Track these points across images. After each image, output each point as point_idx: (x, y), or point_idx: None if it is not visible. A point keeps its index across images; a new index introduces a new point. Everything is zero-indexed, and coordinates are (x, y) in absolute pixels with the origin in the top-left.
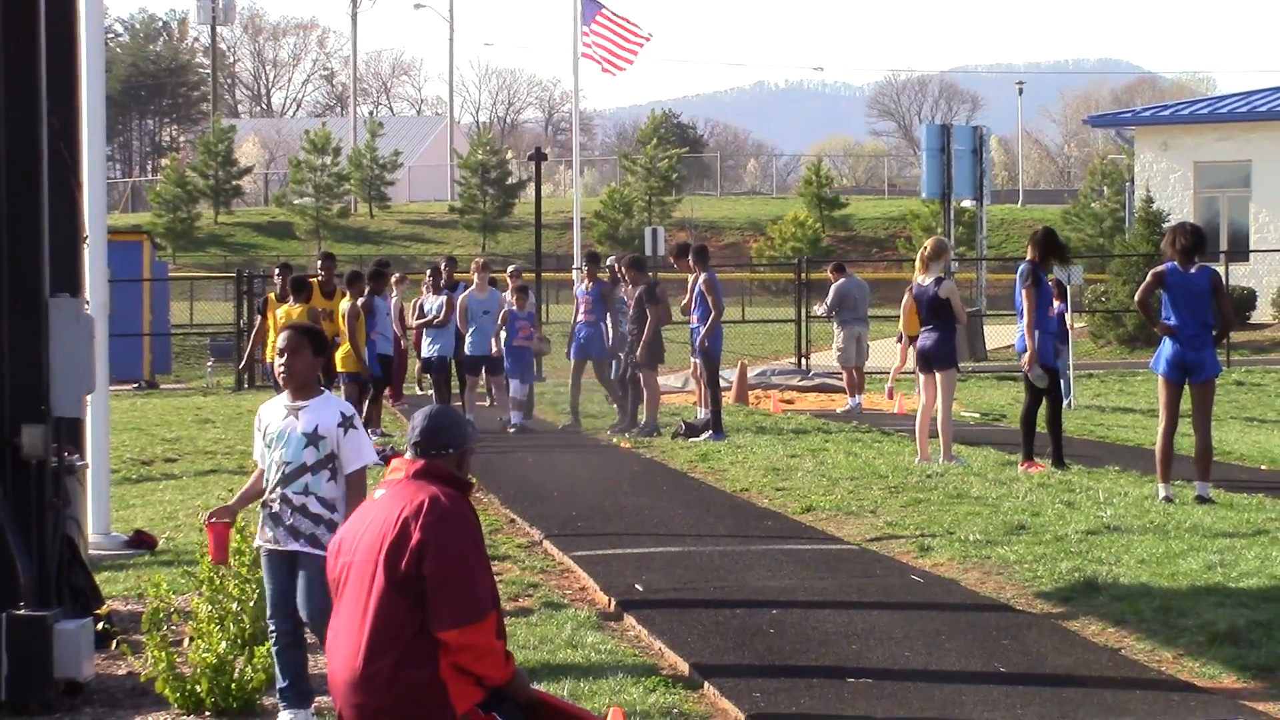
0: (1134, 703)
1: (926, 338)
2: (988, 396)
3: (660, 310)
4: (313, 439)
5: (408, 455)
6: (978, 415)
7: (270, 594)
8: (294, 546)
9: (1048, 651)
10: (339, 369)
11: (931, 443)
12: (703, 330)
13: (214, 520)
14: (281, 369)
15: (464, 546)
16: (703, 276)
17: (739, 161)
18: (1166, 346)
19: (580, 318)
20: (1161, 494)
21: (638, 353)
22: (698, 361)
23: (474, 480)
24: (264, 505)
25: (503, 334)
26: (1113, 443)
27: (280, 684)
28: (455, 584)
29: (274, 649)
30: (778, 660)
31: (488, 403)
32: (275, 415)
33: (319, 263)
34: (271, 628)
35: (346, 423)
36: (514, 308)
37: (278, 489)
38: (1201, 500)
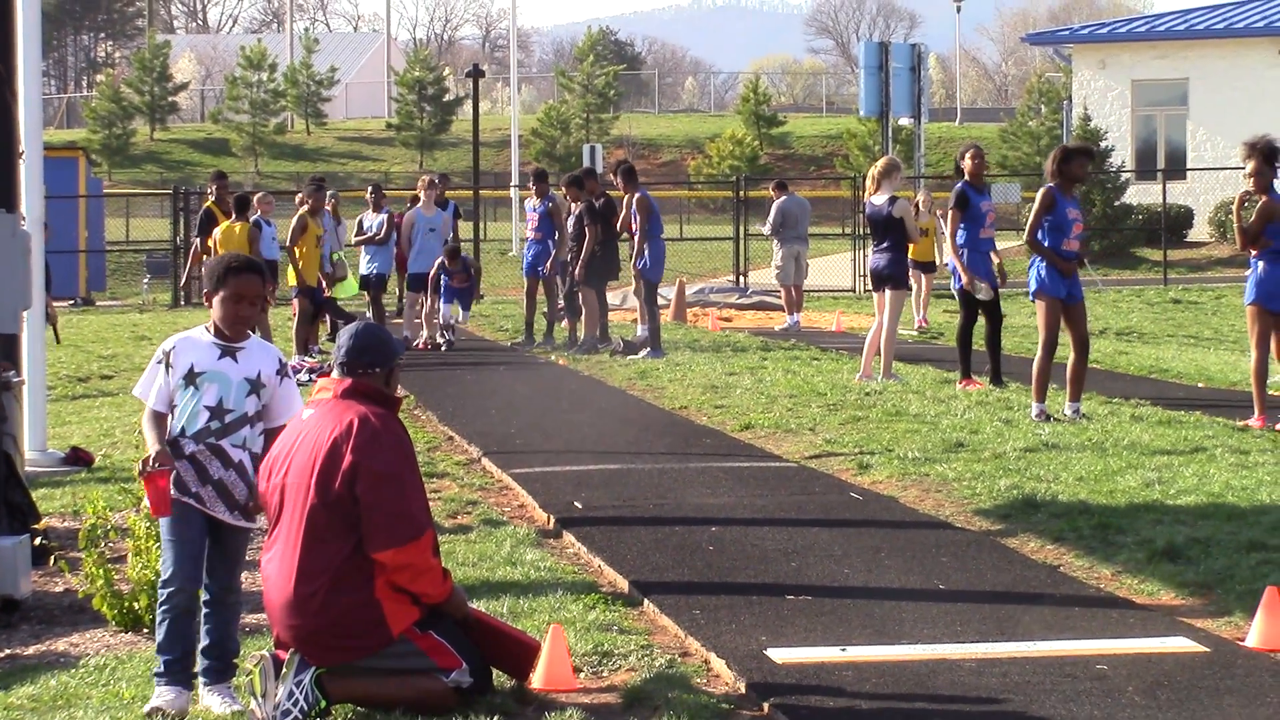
0: (1072, 619)
1: (879, 257)
2: (929, 315)
3: (600, 228)
4: (255, 386)
5: (335, 374)
6: (915, 333)
7: (176, 557)
8: (224, 515)
9: (986, 568)
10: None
11: (873, 360)
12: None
13: (154, 470)
14: (237, 317)
15: (396, 465)
16: (637, 195)
17: (677, 79)
18: (1043, 269)
19: (529, 235)
20: (1035, 412)
21: (576, 270)
22: (640, 278)
23: (402, 396)
24: (179, 453)
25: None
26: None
27: (167, 657)
28: (389, 504)
29: (164, 618)
30: (717, 577)
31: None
32: (201, 353)
33: (213, 184)
34: (168, 593)
35: (283, 370)
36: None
37: (210, 439)
38: (1074, 418)
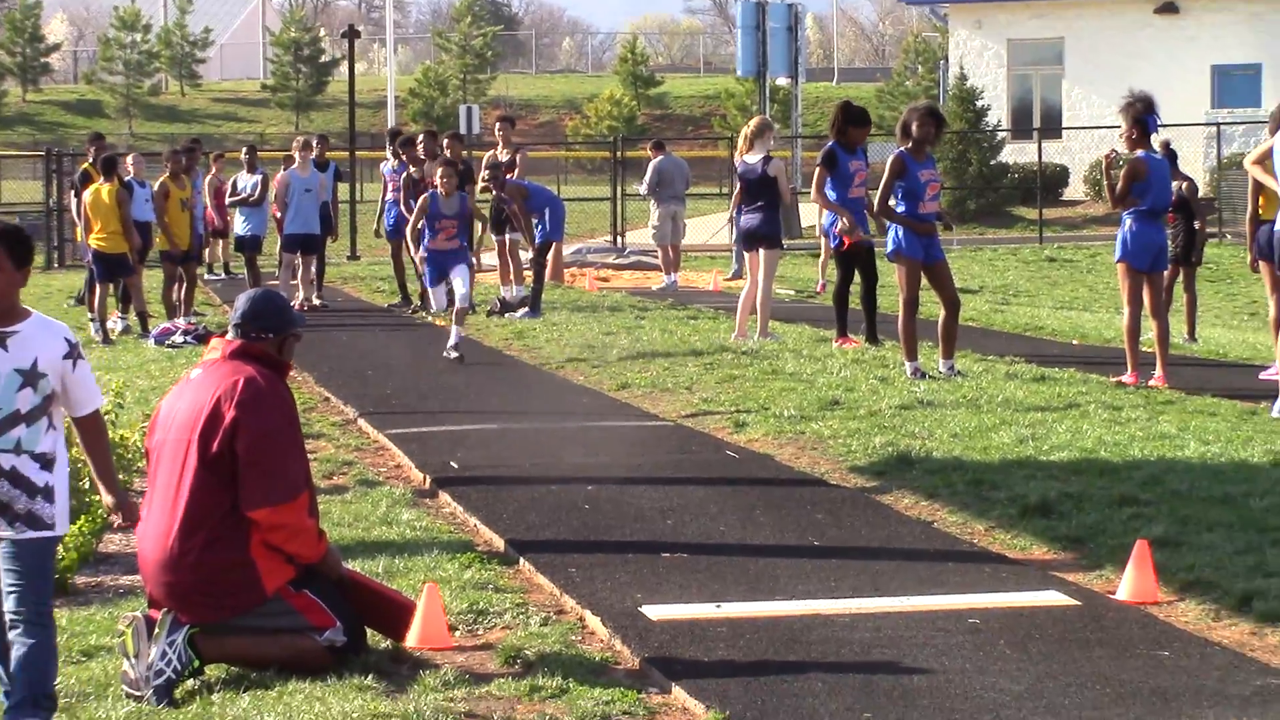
0: (946, 574)
1: (753, 216)
2: (803, 273)
3: (473, 189)
4: (30, 378)
5: (228, 335)
6: (792, 292)
7: None
8: (4, 532)
9: (861, 525)
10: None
11: (748, 320)
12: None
13: None
14: None
15: (278, 425)
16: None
17: (554, 39)
18: (900, 231)
19: (389, 196)
20: (909, 370)
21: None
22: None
23: (291, 363)
24: None
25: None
26: (927, 319)
27: None
28: (267, 463)
29: None
30: (593, 536)
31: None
32: None
33: (90, 146)
34: None
35: (74, 353)
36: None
37: None
38: (949, 375)
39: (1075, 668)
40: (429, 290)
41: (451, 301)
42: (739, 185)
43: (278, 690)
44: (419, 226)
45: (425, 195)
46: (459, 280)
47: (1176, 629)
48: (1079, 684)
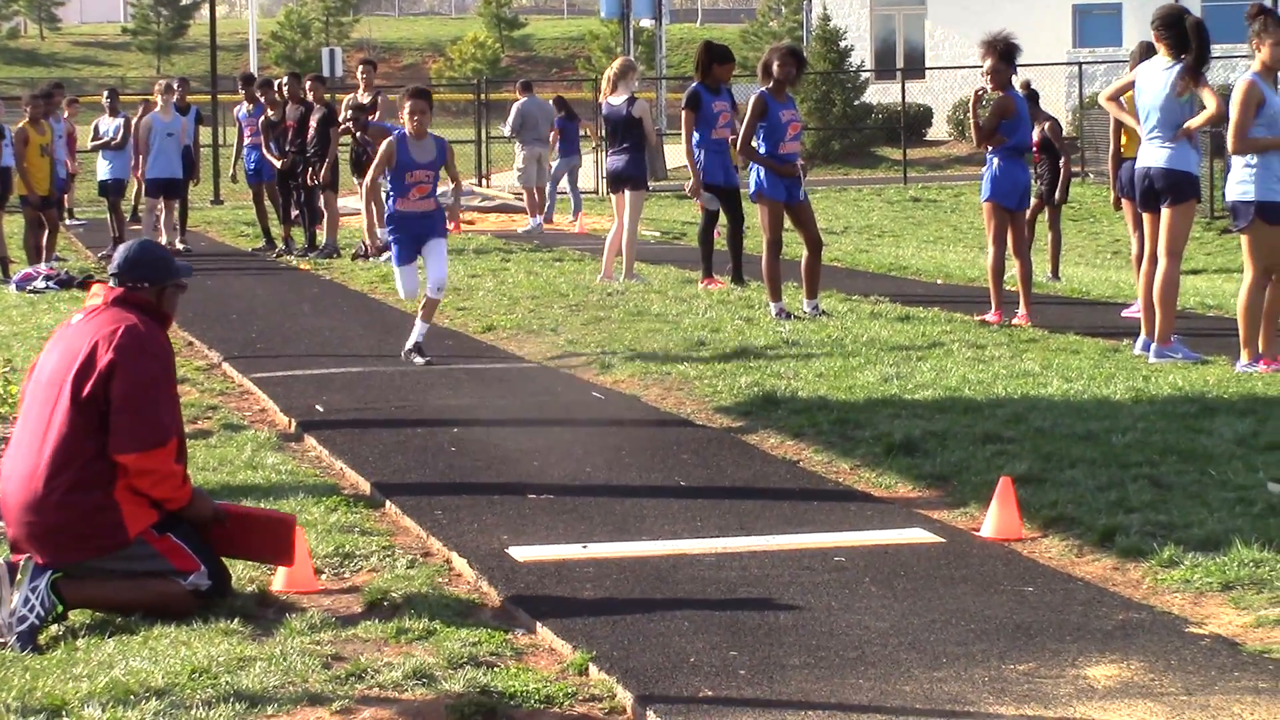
0: (812, 513)
1: (617, 158)
2: (668, 215)
3: (337, 132)
4: None
5: (110, 283)
6: (658, 234)
7: None
8: None
9: (727, 465)
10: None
11: (614, 261)
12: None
13: None
14: None
15: (153, 373)
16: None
17: None
18: (761, 173)
19: (247, 141)
20: (774, 311)
21: (320, 174)
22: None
23: (173, 314)
24: None
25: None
26: (791, 259)
27: None
28: (139, 408)
29: None
30: (459, 478)
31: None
32: None
33: None
34: None
35: None
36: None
37: None
38: (813, 315)
39: (940, 604)
40: (397, 270)
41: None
42: (604, 126)
43: (143, 635)
44: (377, 180)
45: (390, 140)
46: (434, 260)
47: (1040, 565)
48: (943, 620)
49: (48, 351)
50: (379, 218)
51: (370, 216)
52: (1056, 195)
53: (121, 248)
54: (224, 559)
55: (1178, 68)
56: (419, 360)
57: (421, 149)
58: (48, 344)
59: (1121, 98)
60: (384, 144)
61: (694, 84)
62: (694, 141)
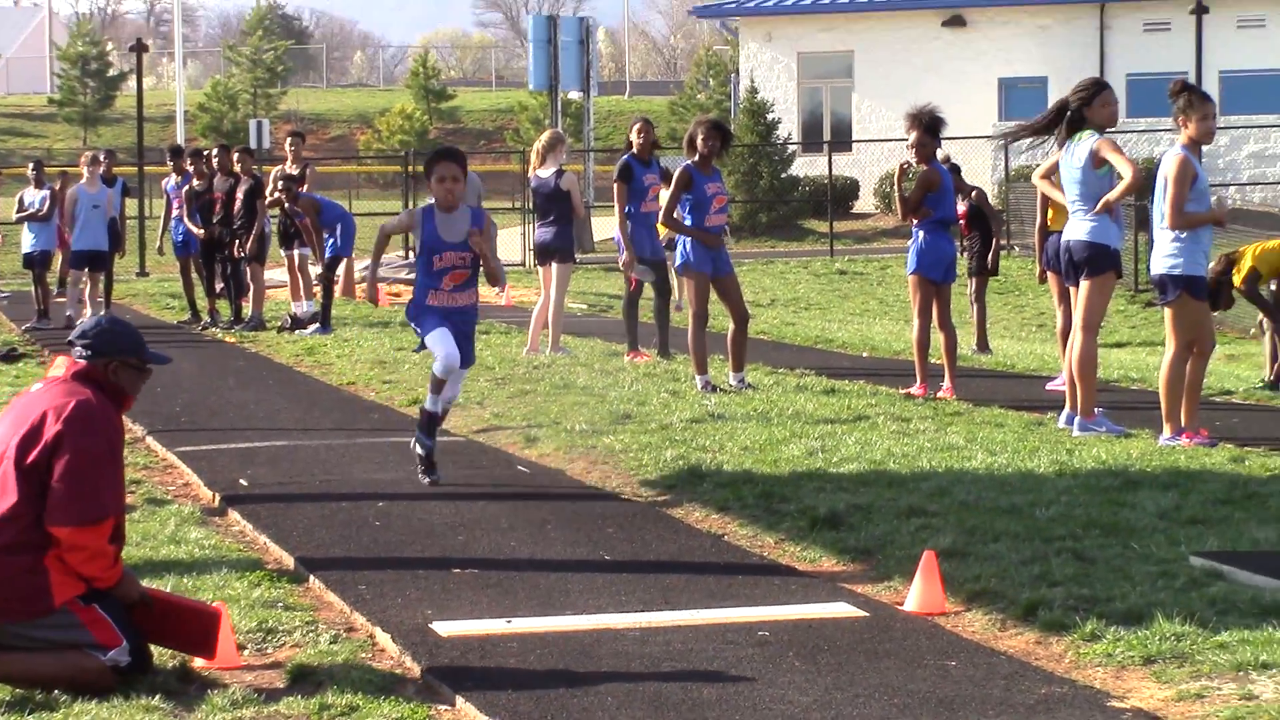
0: (736, 587)
1: (545, 230)
2: (595, 287)
3: (263, 204)
4: None
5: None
6: (585, 306)
7: None
8: None
9: (652, 539)
10: None
11: (540, 334)
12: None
13: None
14: None
15: (99, 449)
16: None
17: (345, 53)
18: (688, 245)
19: (175, 213)
20: (700, 384)
21: (246, 246)
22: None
23: (131, 395)
24: None
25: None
26: (718, 332)
27: None
28: (79, 482)
29: None
30: (384, 552)
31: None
32: None
33: None
34: None
35: None
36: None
37: None
38: (739, 388)
39: (863, 678)
40: (432, 335)
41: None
42: (533, 199)
43: (63, 712)
44: (382, 248)
45: (412, 211)
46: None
47: (963, 639)
48: (867, 695)
49: (1, 417)
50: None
51: (374, 262)
52: (989, 263)
53: (89, 320)
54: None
55: (1093, 139)
56: (428, 479)
57: (452, 225)
58: (3, 411)
59: (1053, 176)
60: (403, 214)
61: (625, 156)
62: (624, 221)
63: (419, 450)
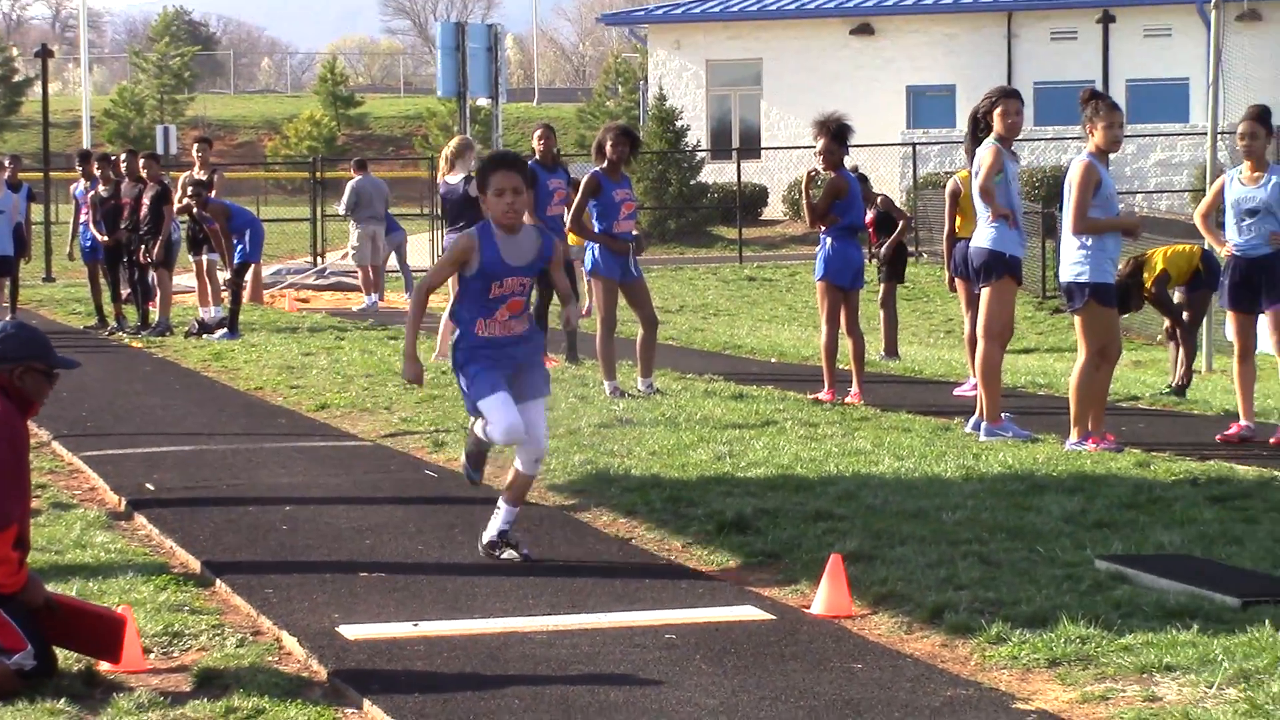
0: (643, 590)
1: (454, 236)
2: None
3: (172, 209)
4: None
5: None
6: None
7: None
8: None
9: (560, 543)
10: None
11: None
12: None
13: None
14: None
15: (2, 456)
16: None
17: (253, 59)
18: (597, 251)
19: (83, 218)
20: (608, 389)
21: (153, 251)
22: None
23: (38, 401)
24: None
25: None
26: (626, 338)
27: None
28: None
29: None
30: (291, 556)
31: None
32: None
33: None
34: None
35: None
36: None
37: None
38: (648, 393)
39: (770, 681)
40: (488, 402)
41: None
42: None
43: None
44: (432, 288)
45: (468, 234)
46: (532, 417)
47: (869, 642)
48: (773, 698)
49: None
50: (444, 341)
51: (412, 332)
52: (892, 250)
53: None
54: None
55: (987, 150)
56: (512, 555)
57: (516, 246)
58: None
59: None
60: (451, 249)
61: (529, 162)
62: None
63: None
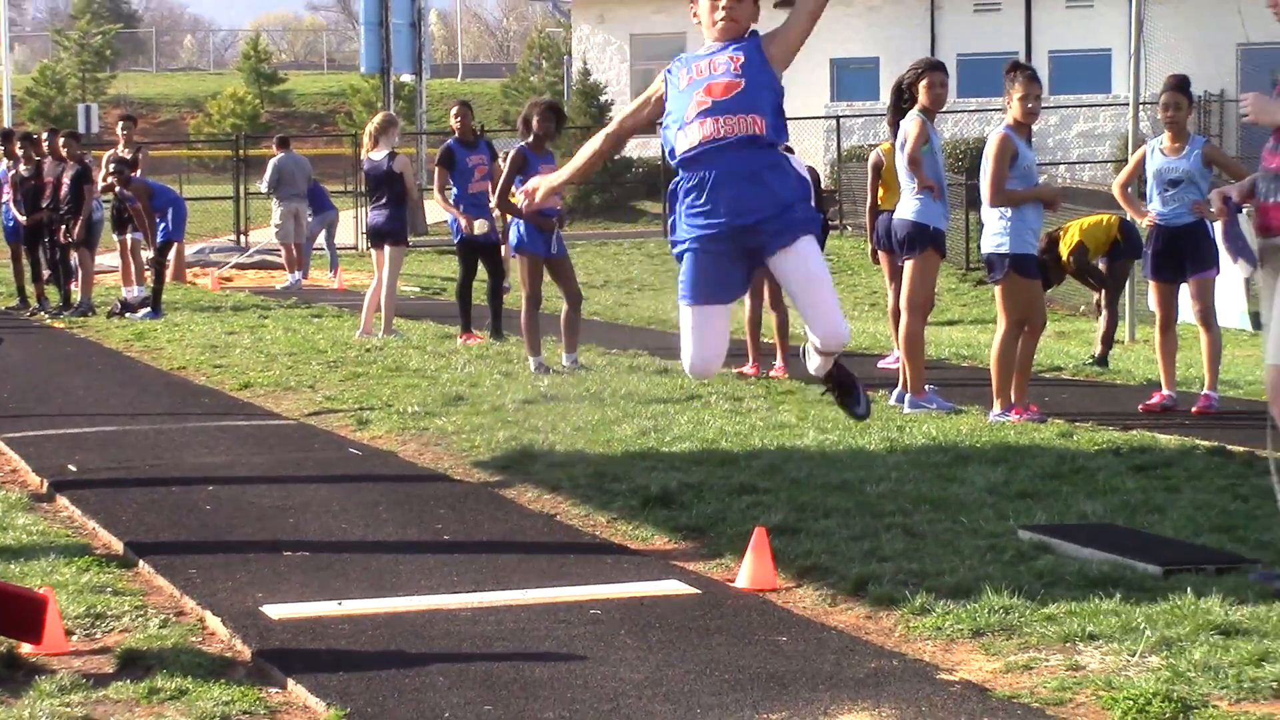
0: (569, 566)
1: (378, 213)
2: (428, 270)
3: (94, 189)
4: None
5: None
6: (418, 289)
7: None
8: None
9: (484, 519)
10: None
11: (373, 317)
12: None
13: None
14: None
15: None
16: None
17: (175, 37)
18: (522, 227)
19: (5, 198)
20: (533, 365)
21: (74, 231)
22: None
23: None
24: None
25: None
26: (551, 314)
27: None
28: None
29: None
30: (214, 536)
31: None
32: None
33: None
34: None
35: None
36: None
37: None
38: (572, 369)
39: (695, 655)
40: (688, 313)
41: None
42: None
43: None
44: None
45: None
46: (817, 295)
47: (794, 615)
48: (698, 671)
49: None
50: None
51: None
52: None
53: None
54: None
55: (911, 121)
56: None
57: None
58: None
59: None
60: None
61: (449, 141)
62: (451, 198)
63: None
